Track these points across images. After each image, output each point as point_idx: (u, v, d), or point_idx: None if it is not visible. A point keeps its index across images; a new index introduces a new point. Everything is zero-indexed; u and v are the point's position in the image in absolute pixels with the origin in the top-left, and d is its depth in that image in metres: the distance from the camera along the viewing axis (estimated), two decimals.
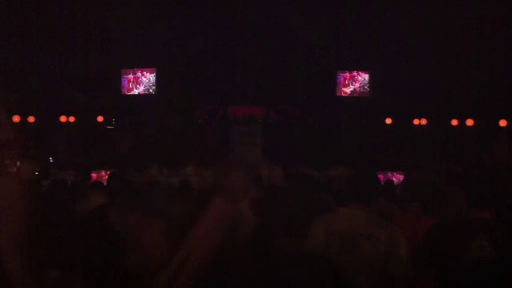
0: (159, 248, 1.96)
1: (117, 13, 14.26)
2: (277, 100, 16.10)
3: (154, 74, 16.01)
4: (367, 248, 2.99)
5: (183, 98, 15.24)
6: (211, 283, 1.82)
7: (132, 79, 16.02)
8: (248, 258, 1.98)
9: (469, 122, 13.91)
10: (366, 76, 16.11)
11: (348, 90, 16.11)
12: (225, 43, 15.92)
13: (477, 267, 2.16)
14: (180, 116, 15.13)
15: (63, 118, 14.47)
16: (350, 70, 16.09)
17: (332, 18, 15.56)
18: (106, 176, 11.26)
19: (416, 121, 14.56)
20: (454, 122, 14.11)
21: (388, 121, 14.81)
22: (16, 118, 12.99)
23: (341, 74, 16.16)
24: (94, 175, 10.19)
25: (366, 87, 16.09)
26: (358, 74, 16.13)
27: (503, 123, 13.47)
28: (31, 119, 13.83)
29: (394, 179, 10.57)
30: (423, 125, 14.60)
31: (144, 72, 15.97)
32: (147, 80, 15.98)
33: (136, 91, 15.95)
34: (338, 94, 16.03)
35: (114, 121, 15.40)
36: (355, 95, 16.07)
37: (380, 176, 9.78)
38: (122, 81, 16.02)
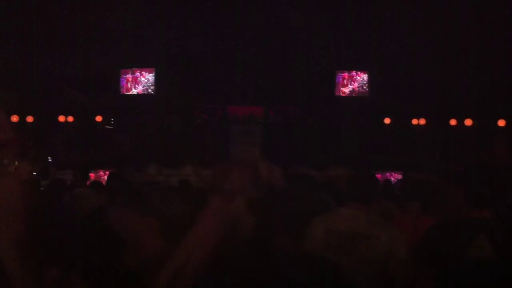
0: (158, 248, 1.96)
1: (116, 13, 14.25)
2: (276, 100, 16.09)
3: (153, 74, 15.99)
4: (367, 248, 2.99)
5: (182, 98, 15.23)
6: (210, 283, 1.82)
7: (131, 79, 16.00)
8: (247, 258, 1.98)
9: (468, 122, 13.92)
10: (365, 76, 16.11)
11: (346, 90, 16.11)
12: (224, 43, 15.91)
13: (477, 267, 2.16)
14: (179, 116, 15.12)
15: (61, 118, 14.46)
16: (349, 70, 16.08)
17: (331, 18, 15.56)
18: (105, 176, 11.28)
19: (415, 121, 14.57)
20: (453, 122, 14.12)
21: (387, 121, 14.81)
22: (14, 118, 12.98)
23: (340, 74, 16.15)
24: (92, 175, 10.20)
25: (365, 87, 16.09)
26: (357, 74, 16.12)
27: (501, 123, 13.48)
28: (29, 118, 13.82)
29: (392, 178, 10.60)
30: (422, 125, 14.61)
31: (143, 72, 15.95)
32: (146, 80, 15.96)
33: (134, 91, 15.94)
34: (337, 94, 16.02)
35: (113, 121, 15.39)
36: (353, 95, 16.07)
37: (378, 176, 9.81)
38: (121, 81, 16.00)
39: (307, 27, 15.41)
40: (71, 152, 14.26)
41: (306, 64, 15.71)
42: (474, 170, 2.62)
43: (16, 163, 1.53)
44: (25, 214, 1.56)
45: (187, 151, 12.92)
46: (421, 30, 14.38)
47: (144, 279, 1.87)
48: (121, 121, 15.40)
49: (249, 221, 2.07)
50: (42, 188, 5.98)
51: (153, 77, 15.95)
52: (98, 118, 14.86)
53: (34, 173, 7.27)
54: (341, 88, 16.11)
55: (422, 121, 14.50)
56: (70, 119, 14.52)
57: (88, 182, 7.14)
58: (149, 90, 15.97)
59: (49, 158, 12.99)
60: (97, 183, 7.00)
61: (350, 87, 16.11)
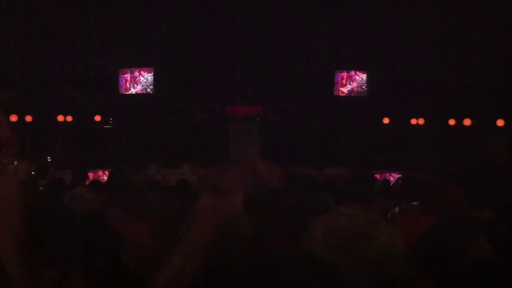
0: (157, 248, 1.95)
1: (115, 13, 14.25)
2: (275, 99, 16.09)
3: (152, 73, 15.97)
4: (366, 248, 2.99)
5: (181, 97, 15.22)
6: (209, 284, 1.82)
7: (129, 79, 15.98)
8: (245, 258, 1.98)
9: (467, 122, 13.92)
10: (363, 76, 16.10)
11: (345, 89, 16.11)
12: (223, 42, 15.91)
13: (476, 267, 2.15)
14: (179, 115, 15.11)
15: (60, 118, 14.43)
16: (348, 69, 16.08)
17: (330, 18, 15.57)
18: (104, 176, 11.27)
19: (414, 121, 14.56)
20: (452, 121, 14.12)
21: (386, 120, 14.81)
22: (13, 117, 12.96)
23: (339, 74, 16.15)
24: (91, 174, 10.18)
25: (363, 87, 16.09)
26: (356, 74, 16.12)
27: (501, 122, 13.49)
28: (28, 118, 13.80)
29: (391, 178, 10.59)
30: (421, 125, 14.61)
31: (142, 72, 15.93)
32: (144, 80, 15.95)
33: (133, 91, 15.92)
34: (335, 93, 16.02)
35: (111, 120, 15.38)
36: (352, 94, 16.07)
37: (377, 176, 9.80)
38: (120, 81, 15.98)
39: (306, 27, 15.43)
40: (70, 151, 14.25)
41: (305, 63, 15.72)
42: (474, 170, 2.61)
43: (15, 162, 1.52)
44: (24, 213, 1.56)
45: (186, 151, 12.92)
46: (420, 29, 14.39)
47: (144, 279, 1.86)
48: (120, 120, 15.38)
49: (247, 220, 2.07)
50: (40, 188, 5.97)
51: (152, 77, 15.93)
52: (97, 118, 14.84)
53: (33, 172, 7.25)
54: (340, 88, 16.10)
55: (421, 121, 14.50)
56: (69, 118, 14.49)
57: (87, 182, 7.12)
58: (148, 90, 15.95)
59: (48, 157, 12.98)
60: (96, 183, 6.99)
61: (349, 87, 16.11)
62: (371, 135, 14.86)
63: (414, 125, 14.63)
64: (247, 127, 14.89)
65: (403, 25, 14.55)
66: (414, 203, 3.60)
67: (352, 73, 16.12)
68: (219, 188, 1.58)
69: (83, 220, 2.78)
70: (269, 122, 15.70)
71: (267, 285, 1.92)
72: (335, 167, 10.84)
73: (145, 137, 14.35)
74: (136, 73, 15.95)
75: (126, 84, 16.00)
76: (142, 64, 15.85)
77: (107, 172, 11.06)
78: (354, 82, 16.09)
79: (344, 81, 16.09)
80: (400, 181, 6.68)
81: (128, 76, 16.01)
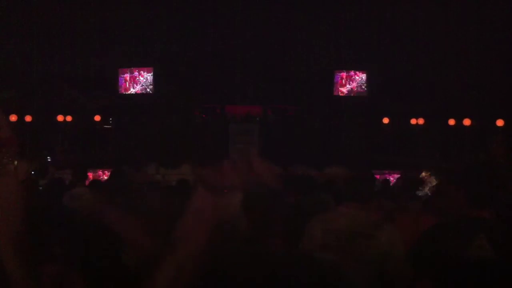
0: (156, 248, 1.95)
1: (115, 13, 14.24)
2: (274, 99, 16.09)
3: (152, 73, 15.98)
4: (366, 248, 2.99)
5: (180, 97, 15.22)
6: (208, 284, 1.81)
7: (129, 79, 15.99)
8: (243, 257, 1.97)
9: (467, 122, 13.93)
10: (363, 76, 16.11)
11: (345, 89, 16.11)
12: (223, 42, 15.91)
13: (476, 267, 2.15)
14: (178, 115, 15.11)
15: (60, 117, 14.44)
16: (348, 69, 16.09)
17: (330, 18, 15.58)
18: (103, 176, 11.27)
19: (413, 121, 14.57)
20: (452, 121, 14.13)
21: (386, 120, 14.81)
22: (13, 117, 12.96)
23: (338, 74, 16.15)
24: (90, 174, 10.18)
25: (363, 87, 16.09)
26: (355, 74, 16.13)
27: (500, 122, 13.50)
28: (28, 118, 13.80)
29: (391, 178, 10.59)
30: (420, 125, 14.61)
31: (142, 72, 15.94)
32: (144, 80, 15.95)
33: (133, 91, 15.93)
34: (335, 93, 16.02)
35: (111, 120, 15.38)
36: (352, 94, 16.08)
37: (376, 175, 9.80)
38: (120, 81, 15.99)
39: (306, 27, 15.43)
40: (70, 151, 14.26)
41: (305, 63, 15.73)
42: (474, 170, 2.61)
43: (15, 162, 1.52)
44: (24, 213, 1.55)
45: (186, 151, 12.91)
46: (420, 30, 14.40)
47: (144, 279, 1.86)
48: (120, 120, 15.39)
49: (247, 220, 2.07)
50: (40, 188, 5.97)
51: (152, 77, 15.94)
52: (97, 118, 14.85)
53: (33, 172, 7.26)
54: (340, 88, 16.11)
55: (421, 121, 14.51)
56: (69, 118, 14.51)
57: (87, 182, 7.12)
58: (148, 90, 15.96)
59: (48, 157, 12.98)
60: (96, 183, 6.98)
61: (348, 87, 16.12)
62: (371, 135, 14.86)
63: (414, 125, 14.64)
64: (247, 127, 14.89)
65: (403, 25, 14.56)
66: (414, 202, 3.60)
67: (352, 73, 16.13)
68: (218, 188, 1.57)
69: (83, 220, 2.77)
70: (269, 122, 15.70)
71: (267, 285, 1.92)
72: (335, 167, 10.86)
73: (145, 137, 14.35)
74: (136, 73, 15.96)
75: (126, 84, 16.00)
76: (141, 64, 15.86)
77: (107, 172, 11.06)
78: (353, 82, 16.10)
79: (343, 81, 16.10)
80: (400, 181, 6.68)
81: (127, 76, 16.02)
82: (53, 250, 1.85)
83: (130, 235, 2.03)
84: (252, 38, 15.82)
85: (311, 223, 3.24)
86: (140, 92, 15.91)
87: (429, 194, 3.41)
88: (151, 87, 15.93)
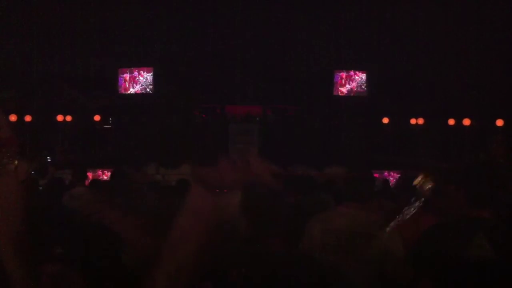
0: (156, 248, 1.95)
1: (115, 13, 14.25)
2: (274, 99, 16.09)
3: (151, 73, 15.97)
4: (366, 248, 2.99)
5: (180, 97, 15.22)
6: (206, 283, 1.82)
7: (129, 78, 15.98)
8: (243, 257, 1.98)
9: (467, 122, 13.92)
10: (363, 76, 16.11)
11: (344, 89, 16.11)
12: (222, 42, 15.91)
13: (476, 267, 2.15)
14: (178, 115, 15.11)
15: (60, 117, 14.43)
16: (347, 69, 16.09)
17: (330, 18, 15.58)
18: (103, 175, 11.27)
19: (413, 121, 14.57)
20: (451, 121, 14.12)
21: (385, 120, 14.81)
22: (13, 117, 12.96)
23: (338, 74, 16.15)
24: (90, 174, 10.18)
25: (363, 87, 16.09)
26: (355, 74, 16.12)
27: (500, 122, 13.49)
28: (28, 118, 13.80)
29: (391, 178, 10.60)
30: (420, 125, 14.61)
31: (141, 71, 15.94)
32: (144, 79, 15.95)
33: (133, 90, 15.93)
34: (335, 93, 16.02)
35: (111, 120, 15.38)
36: (352, 94, 16.08)
37: (376, 175, 9.81)
38: (119, 80, 15.98)
39: (306, 27, 15.43)
40: (70, 151, 14.25)
41: (305, 63, 15.73)
42: (474, 170, 2.61)
43: (15, 162, 1.52)
44: (24, 213, 1.55)
45: (186, 151, 12.91)
46: (420, 29, 14.40)
47: (144, 279, 1.86)
48: (120, 120, 15.39)
49: (246, 220, 2.07)
50: (40, 188, 5.98)
51: (151, 77, 15.93)
52: (97, 118, 14.84)
53: (33, 172, 7.26)
54: (340, 88, 16.11)
55: (421, 121, 14.50)
56: (69, 118, 14.49)
57: (87, 182, 7.12)
58: (147, 90, 15.95)
59: (48, 157, 12.98)
60: (96, 182, 6.99)
61: (348, 87, 16.11)
62: (371, 135, 14.86)
63: (413, 125, 14.63)
64: (246, 127, 14.88)
65: (402, 25, 14.56)
66: (414, 202, 3.60)
67: (352, 73, 16.13)
68: (218, 187, 1.57)
69: (83, 220, 2.77)
70: (268, 122, 15.70)
71: (267, 285, 1.92)
72: (335, 167, 10.87)
73: (145, 137, 14.34)
74: (136, 73, 15.95)
75: (126, 84, 16.00)
76: (141, 64, 15.86)
77: (106, 172, 11.07)
78: (353, 82, 16.10)
79: (343, 81, 16.10)
80: (400, 181, 6.70)
81: (127, 76, 16.01)
82: (53, 250, 1.85)
83: (130, 235, 2.03)
84: (252, 38, 15.82)
85: (311, 223, 3.24)
86: (140, 92, 15.90)
87: (424, 199, 3.41)
88: (151, 87, 15.92)
